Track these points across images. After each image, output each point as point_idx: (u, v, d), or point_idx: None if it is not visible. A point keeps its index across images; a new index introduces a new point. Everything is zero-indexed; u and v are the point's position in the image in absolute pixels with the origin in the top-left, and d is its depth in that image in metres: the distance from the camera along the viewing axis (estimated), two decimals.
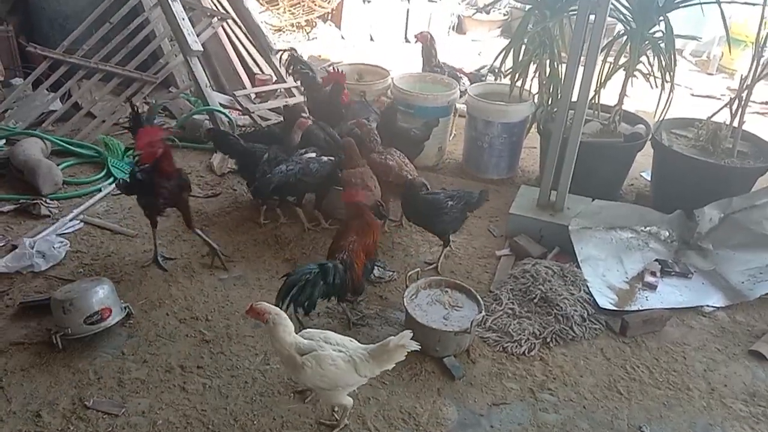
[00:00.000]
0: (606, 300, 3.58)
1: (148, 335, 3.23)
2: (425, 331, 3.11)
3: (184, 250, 3.92)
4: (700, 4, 4.28)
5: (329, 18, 9.27)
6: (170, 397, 2.88)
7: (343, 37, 8.96)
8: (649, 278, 3.80)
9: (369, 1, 9.09)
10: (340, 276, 3.10)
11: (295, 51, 5.35)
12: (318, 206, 4.23)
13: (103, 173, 4.72)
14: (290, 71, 5.26)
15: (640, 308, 3.57)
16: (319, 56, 8.00)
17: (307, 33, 9.07)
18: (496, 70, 6.12)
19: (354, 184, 3.83)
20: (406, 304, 3.24)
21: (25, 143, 4.67)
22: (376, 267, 3.81)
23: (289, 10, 8.81)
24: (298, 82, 5.24)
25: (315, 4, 8.86)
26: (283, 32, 8.94)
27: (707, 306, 3.70)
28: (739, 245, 4.05)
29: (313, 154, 4.11)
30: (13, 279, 3.58)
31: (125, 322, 3.28)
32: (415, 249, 4.09)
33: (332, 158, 4.11)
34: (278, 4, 8.71)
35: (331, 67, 5.02)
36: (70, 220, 4.10)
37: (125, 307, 3.27)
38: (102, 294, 3.13)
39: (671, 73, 4.34)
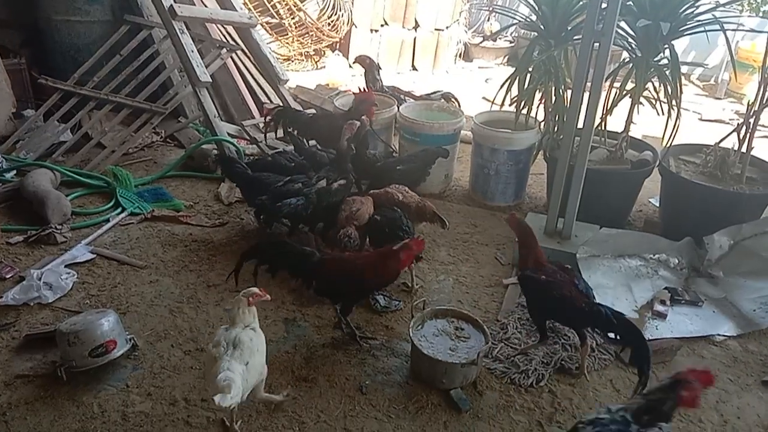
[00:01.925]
0: None
1: (152, 367, 3.22)
2: (431, 363, 3.08)
3: (191, 281, 3.92)
4: (705, 31, 4.28)
5: (337, 47, 9.37)
6: (174, 431, 2.85)
7: (350, 66, 9.04)
8: (658, 307, 3.75)
9: (376, 31, 9.20)
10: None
11: (279, 107, 5.32)
12: (324, 234, 4.21)
13: (111, 203, 4.75)
14: (271, 125, 5.11)
15: (650, 338, 3.51)
16: (327, 85, 8.07)
17: (316, 62, 9.18)
18: (451, 97, 6.18)
19: (345, 211, 3.90)
20: (411, 334, 3.21)
21: (34, 174, 4.72)
22: (382, 296, 3.80)
23: (298, 40, 8.91)
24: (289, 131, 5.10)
25: (323, 34, 8.97)
26: (292, 62, 9.05)
27: (718, 335, 3.64)
28: (749, 272, 4.00)
29: (324, 182, 4.12)
30: (19, 311, 3.58)
31: (130, 354, 3.26)
32: (422, 277, 4.06)
33: (342, 182, 4.12)
34: (287, 35, 8.83)
35: (357, 89, 5.05)
36: (78, 251, 4.12)
37: (130, 339, 3.26)
38: (107, 326, 3.12)
39: (677, 100, 4.34)
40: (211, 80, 5.38)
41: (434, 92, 6.47)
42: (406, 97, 6.13)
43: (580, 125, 3.95)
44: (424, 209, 4.03)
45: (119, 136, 5.54)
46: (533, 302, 3.32)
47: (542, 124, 4.91)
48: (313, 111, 6.04)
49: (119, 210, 4.67)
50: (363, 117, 4.50)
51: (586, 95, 3.85)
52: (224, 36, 6.56)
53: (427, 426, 2.93)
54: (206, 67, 5.43)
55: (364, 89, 4.98)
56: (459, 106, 6.13)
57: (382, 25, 9.25)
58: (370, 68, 6.13)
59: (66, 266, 3.95)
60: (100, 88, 5.54)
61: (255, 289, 2.80)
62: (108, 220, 4.53)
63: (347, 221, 3.84)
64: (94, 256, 4.11)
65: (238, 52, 6.37)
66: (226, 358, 2.58)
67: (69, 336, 3.04)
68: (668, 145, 4.46)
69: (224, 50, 6.06)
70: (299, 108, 5.89)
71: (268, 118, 5.10)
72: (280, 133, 5.17)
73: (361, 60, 6.18)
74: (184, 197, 4.94)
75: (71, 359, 3.06)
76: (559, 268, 3.26)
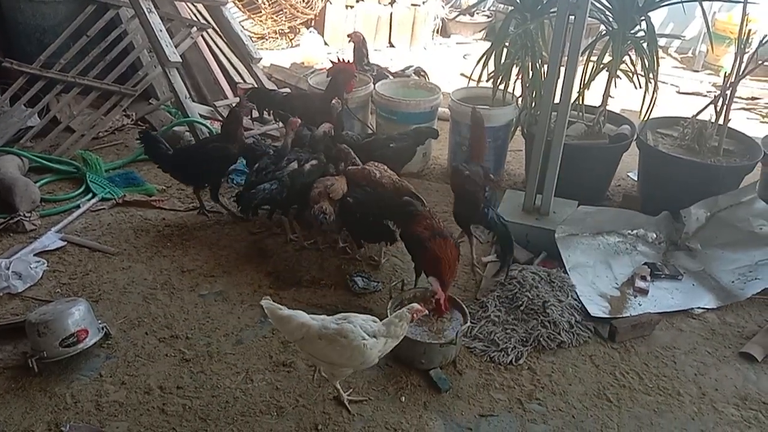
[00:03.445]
0: (598, 308, 3.51)
1: (126, 356, 3.15)
2: (410, 344, 3.05)
3: (164, 266, 3.84)
4: (681, 2, 4.24)
5: (312, 24, 9.21)
6: (149, 419, 2.80)
7: (326, 44, 8.90)
8: (639, 283, 3.74)
9: (352, 7, 9.04)
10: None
11: (253, 88, 5.24)
12: (298, 216, 4.13)
13: (81, 189, 4.63)
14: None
15: (633, 314, 3.51)
16: (302, 63, 7.94)
17: (290, 40, 9.02)
18: (421, 71, 6.13)
19: (318, 187, 3.81)
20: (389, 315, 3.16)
21: (1, 160, 4.60)
22: (360, 278, 3.75)
23: (272, 18, 8.74)
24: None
25: (297, 11, 8.80)
26: (266, 40, 8.88)
27: (699, 308, 3.65)
28: (726, 244, 4.02)
29: (295, 164, 4.04)
30: None
31: (103, 343, 3.19)
32: (401, 257, 4.02)
33: (314, 162, 4.03)
34: (260, 12, 8.65)
35: (336, 58, 4.93)
36: (48, 239, 4.01)
37: (103, 327, 3.19)
38: (78, 315, 3.05)
39: (654, 73, 4.30)
40: (181, 60, 5.24)
41: (406, 67, 6.40)
42: (387, 73, 6.05)
43: (557, 100, 3.91)
44: (401, 190, 3.96)
45: (88, 120, 5.39)
46: (457, 192, 3.92)
47: (520, 99, 4.86)
48: (287, 90, 5.93)
49: (90, 196, 4.56)
50: (334, 101, 4.39)
51: (563, 69, 3.80)
52: (194, 14, 6.39)
53: (407, 407, 2.91)
54: (176, 47, 5.29)
55: (342, 59, 4.86)
56: (427, 79, 6.08)
57: (357, 1, 9.10)
58: (363, 45, 6.04)
59: (35, 255, 3.86)
60: (68, 70, 5.37)
61: (417, 306, 2.79)
62: (78, 207, 4.43)
63: (320, 197, 3.75)
64: (65, 243, 4.01)
65: (209, 30, 6.22)
66: (333, 319, 2.75)
67: (39, 326, 2.96)
68: (646, 118, 4.44)
69: (194, 29, 5.90)
70: (273, 87, 5.77)
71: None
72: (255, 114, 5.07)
73: (356, 36, 6.08)
74: (157, 181, 4.83)
75: (42, 350, 2.98)
76: (485, 174, 3.86)
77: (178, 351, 3.19)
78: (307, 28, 9.13)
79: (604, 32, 4.53)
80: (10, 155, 4.72)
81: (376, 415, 2.85)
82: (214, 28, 6.21)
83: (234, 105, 4.48)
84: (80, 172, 4.80)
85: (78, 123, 5.39)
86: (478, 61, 4.73)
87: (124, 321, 3.39)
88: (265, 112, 5.03)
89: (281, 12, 8.73)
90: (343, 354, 2.65)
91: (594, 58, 4.55)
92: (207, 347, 3.21)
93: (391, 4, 9.19)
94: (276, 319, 2.74)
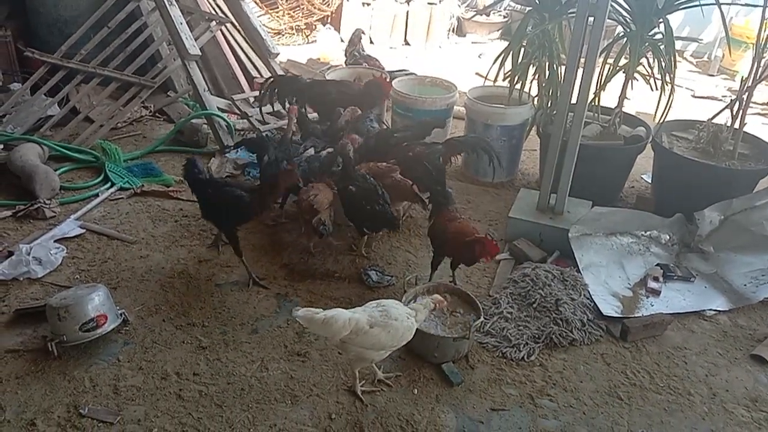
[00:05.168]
0: (610, 308, 3.54)
1: (144, 342, 3.20)
2: (423, 337, 3.08)
3: (181, 256, 3.89)
4: (700, 5, 4.25)
5: (328, 21, 9.25)
6: (166, 404, 2.85)
7: (342, 40, 8.92)
8: (652, 284, 3.76)
9: (368, 4, 9.07)
10: None
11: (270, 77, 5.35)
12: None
13: (100, 178, 4.70)
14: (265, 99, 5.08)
15: (645, 315, 3.53)
16: (319, 59, 7.99)
17: (307, 36, 9.06)
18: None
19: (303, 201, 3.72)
20: None
21: (22, 148, 4.65)
22: (374, 272, 3.79)
23: (288, 14, 8.79)
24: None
25: (314, 7, 8.85)
26: (283, 35, 8.93)
27: (711, 310, 3.67)
28: (740, 247, 4.03)
29: (312, 150, 4.08)
30: (9, 285, 3.55)
31: (121, 329, 3.24)
32: (414, 252, 4.06)
33: (330, 150, 4.07)
34: (277, 8, 8.70)
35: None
36: (67, 226, 4.08)
37: (121, 314, 3.24)
38: (97, 301, 3.10)
39: (671, 75, 4.31)
40: (200, 53, 5.30)
41: (400, 70, 6.53)
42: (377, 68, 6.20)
43: (573, 100, 3.93)
44: (407, 188, 3.94)
45: (107, 110, 5.46)
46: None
47: (536, 99, 4.88)
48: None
49: (108, 185, 4.62)
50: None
51: (580, 70, 3.82)
52: (214, 8, 6.45)
53: (419, 399, 2.94)
54: (195, 40, 5.34)
55: (381, 76, 5.00)
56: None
57: None
58: (357, 41, 6.48)
59: (55, 241, 3.92)
60: (88, 61, 5.43)
61: (440, 297, 2.98)
62: (97, 195, 4.49)
63: (314, 210, 3.65)
64: (84, 231, 4.07)
65: (228, 24, 6.28)
66: (370, 308, 2.83)
67: (59, 311, 3.02)
68: (661, 121, 4.45)
69: (214, 23, 5.96)
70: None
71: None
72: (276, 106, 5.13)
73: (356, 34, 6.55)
74: (174, 172, 4.88)
75: (62, 334, 3.03)
76: None
77: (195, 338, 3.24)
78: (324, 25, 9.17)
79: (621, 34, 4.55)
80: (30, 143, 4.78)
81: (388, 406, 2.89)
82: (232, 23, 6.27)
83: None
84: (99, 162, 4.86)
85: (97, 113, 5.45)
86: (495, 60, 4.75)
87: (142, 308, 3.44)
88: (286, 102, 5.07)
89: (298, 8, 8.79)
90: (395, 335, 2.75)
91: (611, 60, 4.57)
92: (223, 336, 3.26)
93: (408, 2, 9.21)
94: (316, 325, 2.67)
